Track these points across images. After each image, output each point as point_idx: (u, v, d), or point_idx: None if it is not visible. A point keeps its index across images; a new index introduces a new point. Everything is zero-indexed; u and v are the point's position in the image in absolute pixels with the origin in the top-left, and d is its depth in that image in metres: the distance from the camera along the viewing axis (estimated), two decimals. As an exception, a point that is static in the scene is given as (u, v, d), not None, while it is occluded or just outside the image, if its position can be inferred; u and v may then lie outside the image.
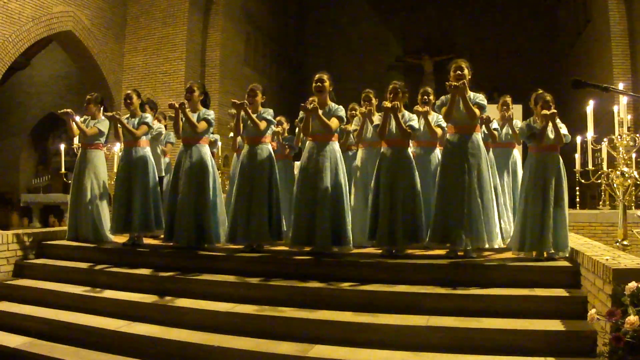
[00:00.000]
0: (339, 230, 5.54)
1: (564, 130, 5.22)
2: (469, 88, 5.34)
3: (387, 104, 5.47)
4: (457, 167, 5.25)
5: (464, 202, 5.18)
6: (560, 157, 5.25)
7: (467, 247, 5.22)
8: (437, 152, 6.34)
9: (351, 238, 5.66)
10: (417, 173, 5.62)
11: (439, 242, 5.37)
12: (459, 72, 5.31)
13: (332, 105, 5.70)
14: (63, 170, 8.97)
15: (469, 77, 5.34)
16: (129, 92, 6.69)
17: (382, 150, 5.67)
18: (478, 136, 5.38)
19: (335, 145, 5.71)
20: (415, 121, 5.69)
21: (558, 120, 5.20)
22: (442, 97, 5.46)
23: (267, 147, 5.99)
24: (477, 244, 5.25)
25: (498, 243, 5.34)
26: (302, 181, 5.65)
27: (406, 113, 5.71)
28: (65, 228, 6.97)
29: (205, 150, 6.17)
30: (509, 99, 6.63)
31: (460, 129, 5.34)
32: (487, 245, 5.27)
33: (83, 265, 6.03)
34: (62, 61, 16.43)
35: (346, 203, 5.65)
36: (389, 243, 5.45)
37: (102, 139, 6.98)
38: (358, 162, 6.34)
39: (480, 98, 5.37)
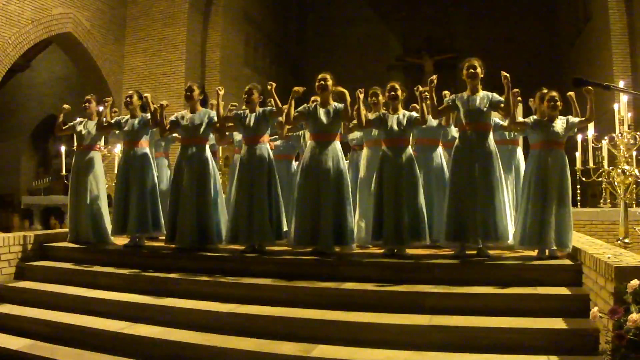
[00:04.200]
0: (342, 230, 5.54)
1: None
2: (481, 87, 5.38)
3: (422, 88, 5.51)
4: (469, 165, 5.23)
5: (476, 200, 5.16)
6: (564, 154, 5.24)
7: (479, 245, 5.22)
8: (439, 151, 6.33)
9: (355, 237, 5.67)
10: (419, 171, 5.62)
11: (452, 240, 5.34)
12: (472, 70, 5.33)
13: (336, 104, 5.70)
14: (64, 172, 8.98)
15: (482, 75, 5.35)
16: (130, 92, 6.71)
17: (383, 149, 5.66)
18: (490, 133, 5.38)
19: (337, 145, 5.70)
20: (414, 113, 5.70)
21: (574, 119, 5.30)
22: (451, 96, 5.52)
23: (266, 146, 5.98)
24: (490, 242, 5.25)
25: (510, 241, 5.34)
26: (304, 181, 5.65)
27: (406, 112, 5.71)
28: (67, 230, 6.97)
29: (206, 149, 6.18)
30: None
31: (472, 125, 5.31)
32: (499, 243, 5.29)
33: (84, 266, 6.02)
34: (62, 63, 16.46)
35: (349, 202, 5.65)
36: (396, 242, 5.44)
37: (101, 136, 6.98)
38: (363, 161, 6.32)
39: (496, 94, 5.36)
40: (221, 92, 6.03)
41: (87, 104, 6.90)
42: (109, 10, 13.94)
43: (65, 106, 6.83)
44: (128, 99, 6.59)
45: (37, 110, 17.97)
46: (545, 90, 5.40)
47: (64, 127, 6.92)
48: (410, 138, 5.78)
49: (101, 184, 6.85)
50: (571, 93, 5.44)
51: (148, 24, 14.34)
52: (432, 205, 5.91)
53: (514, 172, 6.40)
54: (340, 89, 5.62)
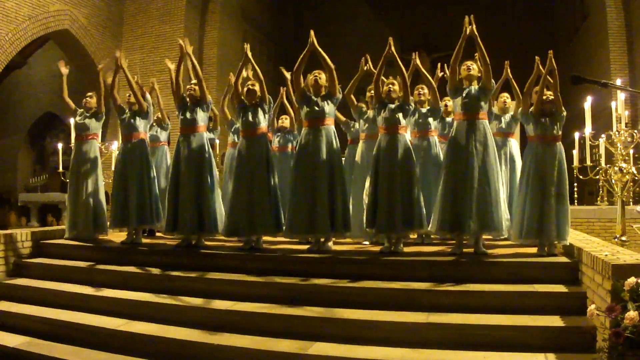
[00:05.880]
0: (338, 214, 5.53)
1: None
2: (478, 85, 5.43)
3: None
4: (465, 154, 5.24)
5: (473, 189, 5.17)
6: (562, 147, 5.26)
7: (475, 235, 5.22)
8: (435, 140, 6.34)
9: (350, 224, 5.66)
10: (414, 159, 5.62)
11: (448, 230, 5.35)
12: (469, 71, 5.39)
13: (327, 96, 5.73)
14: (61, 169, 8.96)
15: (479, 75, 5.38)
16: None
17: (379, 137, 5.65)
18: (485, 123, 5.39)
19: (330, 129, 5.70)
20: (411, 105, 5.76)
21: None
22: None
23: (264, 136, 5.99)
24: (486, 232, 5.27)
25: (506, 231, 5.36)
26: (299, 167, 5.66)
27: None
28: (64, 227, 6.96)
29: (204, 139, 6.19)
30: (506, 94, 6.64)
31: (468, 115, 5.33)
32: (495, 234, 5.33)
33: (81, 264, 6.02)
34: (59, 60, 16.39)
35: (344, 186, 5.67)
36: (388, 230, 5.43)
37: (98, 127, 6.98)
38: (358, 155, 6.32)
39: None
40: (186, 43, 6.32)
41: (88, 99, 6.96)
42: (106, 7, 13.92)
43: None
44: (129, 96, 6.66)
45: (34, 108, 17.91)
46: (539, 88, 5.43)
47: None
48: (407, 126, 5.78)
49: (100, 175, 6.89)
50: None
51: (145, 21, 14.31)
52: (430, 195, 5.89)
53: (509, 164, 6.40)
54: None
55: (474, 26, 5.29)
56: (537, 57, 5.53)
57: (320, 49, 5.69)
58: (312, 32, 5.73)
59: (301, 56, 5.72)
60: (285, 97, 7.16)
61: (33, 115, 18.01)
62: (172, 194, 6.13)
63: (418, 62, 6.14)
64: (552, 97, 5.28)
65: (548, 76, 5.33)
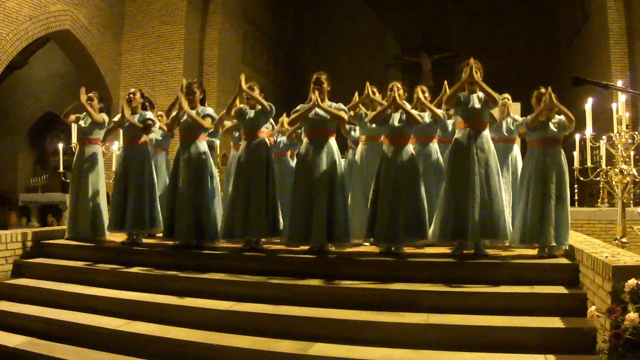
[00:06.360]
0: (336, 227, 5.52)
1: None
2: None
3: (396, 96, 5.53)
4: (467, 162, 5.23)
5: (475, 197, 5.15)
6: (562, 151, 5.27)
7: (478, 242, 5.20)
8: (435, 147, 6.34)
9: (350, 235, 5.66)
10: (420, 172, 5.61)
11: (450, 239, 5.34)
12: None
13: (332, 103, 5.70)
14: (61, 169, 8.96)
15: (482, 77, 5.37)
16: (133, 90, 6.73)
17: (383, 148, 5.65)
18: (487, 132, 5.39)
19: (332, 141, 5.70)
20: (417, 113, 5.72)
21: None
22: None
23: (265, 141, 5.99)
24: (490, 239, 5.27)
25: (510, 238, 5.36)
26: (299, 178, 5.66)
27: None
28: (64, 227, 6.96)
29: (204, 146, 6.18)
30: (507, 95, 6.64)
31: (470, 123, 5.33)
32: (498, 241, 5.33)
33: (82, 264, 6.02)
34: (60, 60, 16.43)
35: (344, 199, 5.65)
36: (388, 240, 5.44)
37: (101, 133, 6.97)
38: (357, 157, 6.32)
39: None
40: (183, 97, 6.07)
41: (88, 102, 6.92)
42: (107, 8, 13.93)
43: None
44: (131, 95, 6.63)
45: (34, 108, 17.93)
46: (542, 90, 5.42)
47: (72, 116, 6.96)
48: (411, 135, 5.77)
49: (101, 179, 6.89)
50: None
51: (146, 22, 14.34)
52: (431, 200, 5.89)
53: (511, 170, 6.40)
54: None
55: (474, 70, 5.26)
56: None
57: (331, 109, 5.61)
58: (316, 95, 5.62)
59: (299, 113, 5.70)
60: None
61: (33, 116, 18.04)
62: (170, 201, 6.13)
63: (421, 96, 6.09)
64: (550, 111, 5.28)
65: (550, 102, 5.28)
